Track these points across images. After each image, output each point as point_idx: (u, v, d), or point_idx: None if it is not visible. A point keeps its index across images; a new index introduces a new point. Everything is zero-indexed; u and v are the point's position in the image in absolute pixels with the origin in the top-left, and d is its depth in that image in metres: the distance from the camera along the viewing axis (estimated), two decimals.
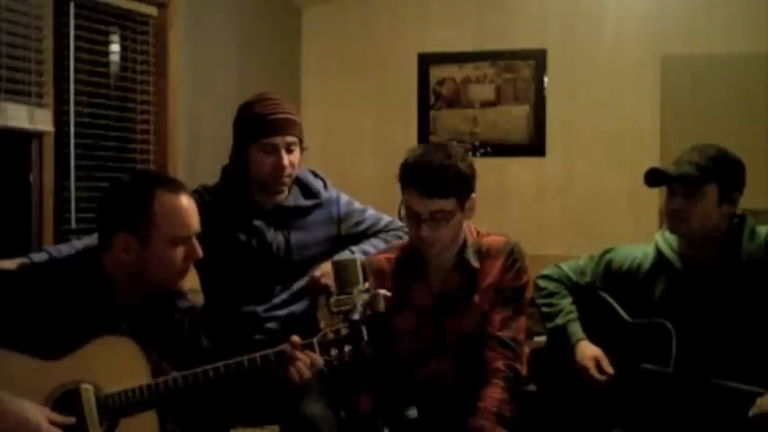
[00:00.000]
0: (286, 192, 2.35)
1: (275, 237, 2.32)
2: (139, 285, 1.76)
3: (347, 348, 1.77)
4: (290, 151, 2.27)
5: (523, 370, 2.08)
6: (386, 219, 2.51)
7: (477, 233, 2.16)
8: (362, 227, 2.45)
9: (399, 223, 2.52)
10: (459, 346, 2.09)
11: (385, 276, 2.16)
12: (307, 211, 2.38)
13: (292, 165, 2.29)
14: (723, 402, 1.91)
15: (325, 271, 2.24)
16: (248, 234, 2.31)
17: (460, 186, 2.03)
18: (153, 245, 1.71)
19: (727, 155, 2.08)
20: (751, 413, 1.84)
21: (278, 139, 2.25)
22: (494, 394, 2.00)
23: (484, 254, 2.13)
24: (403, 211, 2.08)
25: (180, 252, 1.74)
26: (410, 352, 2.12)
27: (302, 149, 2.33)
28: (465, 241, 2.12)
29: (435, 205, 1.99)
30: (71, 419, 1.58)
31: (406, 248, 2.18)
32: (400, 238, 2.46)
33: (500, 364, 2.04)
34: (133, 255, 1.71)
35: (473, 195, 2.07)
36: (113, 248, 1.73)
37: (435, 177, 1.99)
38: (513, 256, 2.12)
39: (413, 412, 1.70)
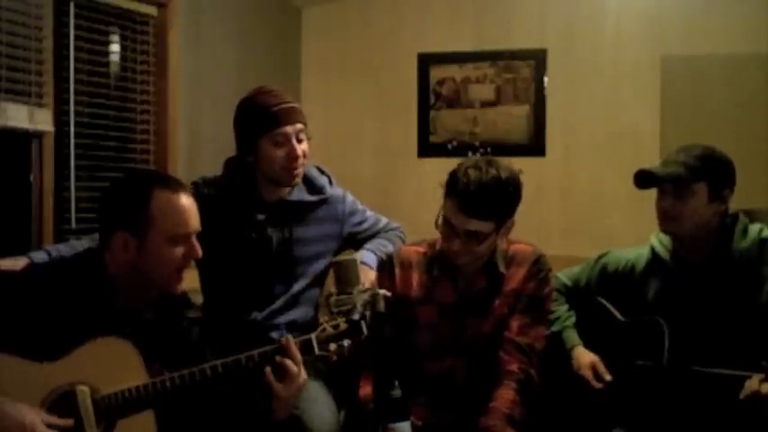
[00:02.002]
0: (299, 182, 2.32)
1: (275, 231, 2.29)
2: (140, 286, 1.75)
3: (346, 343, 1.77)
4: (299, 140, 2.24)
5: (536, 377, 2.08)
6: (384, 220, 2.51)
7: (506, 240, 2.17)
8: (364, 226, 2.45)
9: (396, 224, 2.52)
10: (476, 347, 2.10)
11: (412, 268, 2.18)
12: (311, 206, 2.35)
13: (304, 154, 2.26)
14: (715, 390, 1.93)
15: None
16: (249, 228, 2.28)
17: (503, 211, 2.03)
18: (151, 244, 1.71)
19: (715, 153, 2.09)
20: (742, 395, 1.86)
21: (288, 129, 2.21)
22: (506, 395, 2.01)
23: (510, 260, 2.14)
24: (440, 219, 2.07)
25: (179, 251, 1.73)
26: (427, 345, 2.12)
27: (308, 138, 2.30)
28: (495, 247, 2.13)
29: (473, 225, 1.99)
30: (68, 422, 1.57)
31: (437, 245, 2.18)
32: (401, 238, 2.47)
33: (514, 366, 2.05)
34: (132, 254, 1.71)
35: (513, 219, 2.07)
36: (112, 248, 1.72)
37: (480, 199, 1.97)
38: (538, 266, 2.13)
39: (397, 392, 1.71)
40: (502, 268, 2.12)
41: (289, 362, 1.73)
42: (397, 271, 2.17)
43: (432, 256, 2.18)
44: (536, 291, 2.12)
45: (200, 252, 1.77)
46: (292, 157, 2.22)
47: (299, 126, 2.25)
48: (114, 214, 1.75)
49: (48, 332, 1.64)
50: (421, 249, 2.21)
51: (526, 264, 2.13)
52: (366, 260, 2.30)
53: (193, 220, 1.76)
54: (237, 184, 2.31)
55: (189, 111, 3.56)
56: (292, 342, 1.75)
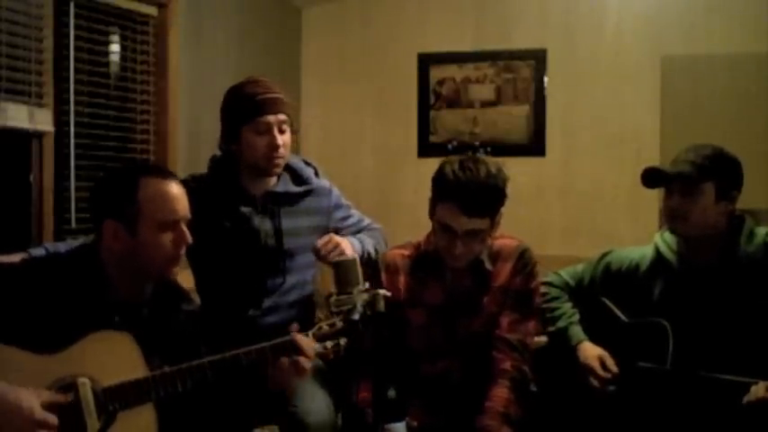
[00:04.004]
0: (278, 176, 2.32)
1: (262, 223, 2.28)
2: (135, 275, 1.76)
3: (342, 341, 1.77)
4: (281, 131, 2.25)
5: (530, 373, 2.08)
6: (367, 220, 2.52)
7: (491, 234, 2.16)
8: (349, 222, 2.45)
9: (377, 225, 2.52)
10: (469, 347, 2.10)
11: (398, 272, 2.17)
12: (297, 197, 2.35)
13: (285, 145, 2.26)
14: (719, 395, 1.92)
15: (323, 241, 2.20)
16: (235, 221, 2.27)
17: (498, 205, 2.03)
18: (140, 231, 1.71)
19: (724, 153, 2.09)
20: (745, 400, 1.86)
21: (270, 118, 2.23)
22: (501, 394, 2.01)
23: (495, 255, 2.13)
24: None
25: (168, 237, 1.74)
26: (420, 348, 2.13)
27: (293, 131, 2.31)
28: None
29: (473, 224, 1.99)
30: (67, 398, 1.59)
31: (421, 246, 2.18)
32: (384, 239, 2.48)
33: (507, 365, 2.05)
34: (122, 242, 1.72)
35: (502, 210, 2.07)
36: (103, 237, 1.74)
37: (480, 197, 1.98)
38: (523, 260, 2.13)
39: (391, 392, 1.71)
40: (488, 265, 2.11)
41: (302, 358, 1.74)
42: (384, 276, 2.17)
43: (416, 258, 2.17)
44: (523, 285, 2.12)
45: (189, 239, 1.77)
46: (273, 146, 2.23)
47: (282, 117, 2.26)
48: (103, 204, 1.76)
49: (46, 325, 1.64)
50: (405, 252, 2.21)
51: (511, 259, 2.13)
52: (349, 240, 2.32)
53: (182, 206, 1.77)
54: (221, 178, 2.31)
55: (189, 111, 3.56)
56: (299, 337, 1.75)
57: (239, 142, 2.26)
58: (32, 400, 1.53)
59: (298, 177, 2.37)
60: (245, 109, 2.24)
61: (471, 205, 1.97)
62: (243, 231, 2.27)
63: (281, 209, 2.32)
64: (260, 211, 2.30)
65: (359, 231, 2.45)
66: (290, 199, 2.34)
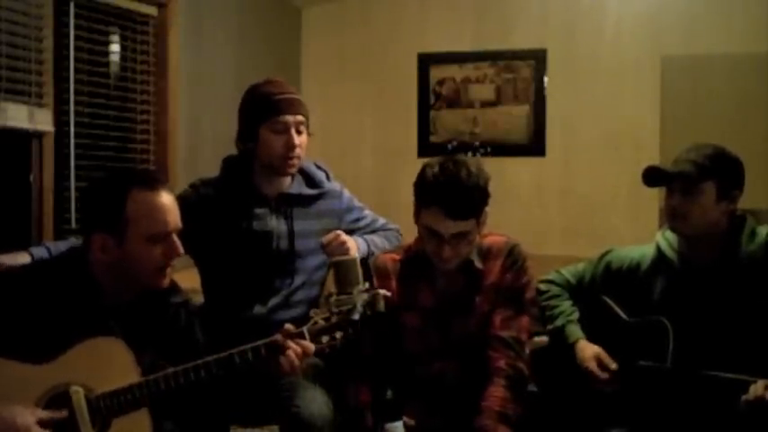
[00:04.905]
0: (292, 177, 2.33)
1: (277, 224, 2.29)
2: (125, 284, 1.75)
3: (338, 335, 1.77)
4: (299, 132, 2.26)
5: (526, 369, 2.08)
6: (382, 220, 2.52)
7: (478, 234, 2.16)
8: (361, 224, 2.45)
9: (394, 225, 2.52)
10: (465, 348, 2.09)
11: (389, 276, 2.17)
12: (310, 200, 2.36)
13: (302, 146, 2.27)
14: (719, 394, 1.92)
15: (329, 238, 2.23)
16: (249, 221, 2.28)
17: (483, 206, 2.02)
18: (129, 244, 1.70)
19: (725, 153, 2.09)
20: (744, 399, 1.86)
21: (288, 118, 2.24)
22: (496, 393, 2.00)
23: (485, 254, 2.13)
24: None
25: (158, 250, 1.72)
26: (416, 350, 2.12)
27: (309, 133, 2.32)
28: None
29: (459, 227, 1.98)
30: (63, 414, 1.58)
31: (411, 249, 2.17)
32: (397, 239, 2.47)
33: (502, 363, 2.04)
34: (111, 254, 1.71)
35: (486, 209, 2.06)
36: (92, 249, 1.72)
37: (463, 200, 1.96)
38: (512, 257, 2.12)
39: (389, 393, 1.72)
40: (478, 264, 2.10)
41: (290, 353, 1.75)
42: (375, 281, 2.14)
43: (406, 261, 2.17)
44: (514, 282, 2.11)
45: (180, 250, 1.76)
46: (290, 146, 2.24)
47: (300, 118, 2.27)
48: (92, 216, 1.75)
49: (38, 334, 1.63)
50: (396, 257, 2.20)
51: (501, 256, 2.12)
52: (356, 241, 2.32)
53: (172, 218, 1.75)
54: (236, 180, 2.32)
55: (189, 111, 3.56)
56: (289, 335, 1.76)
57: (256, 141, 2.27)
58: (27, 417, 1.53)
59: (310, 180, 2.38)
60: (263, 108, 2.25)
61: (455, 209, 1.96)
62: (257, 231, 2.28)
63: (294, 210, 2.32)
64: (274, 213, 2.31)
65: (373, 232, 2.45)
66: (303, 201, 2.35)
